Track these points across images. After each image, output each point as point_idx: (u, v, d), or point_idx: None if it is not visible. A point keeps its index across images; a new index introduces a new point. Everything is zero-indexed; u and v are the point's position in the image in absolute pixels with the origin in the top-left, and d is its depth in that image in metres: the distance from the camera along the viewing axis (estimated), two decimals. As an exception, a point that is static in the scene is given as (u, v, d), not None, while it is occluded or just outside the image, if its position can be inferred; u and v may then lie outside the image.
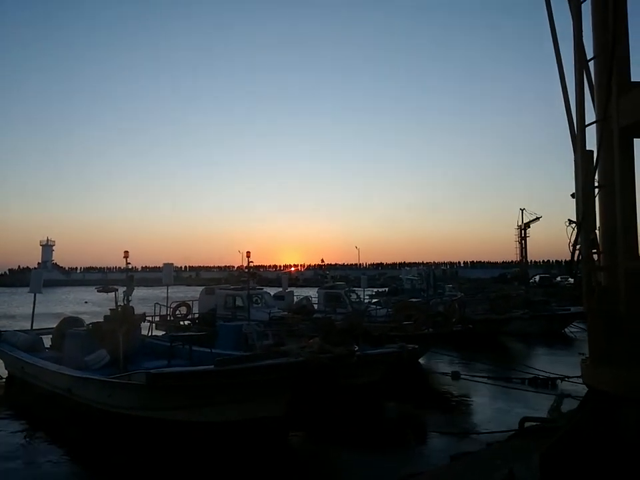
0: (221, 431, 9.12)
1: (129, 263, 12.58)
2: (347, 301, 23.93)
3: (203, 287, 27.27)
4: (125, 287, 12.42)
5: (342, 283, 29.24)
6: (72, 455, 9.41)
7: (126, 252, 12.30)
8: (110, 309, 12.96)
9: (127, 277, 12.47)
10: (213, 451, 8.89)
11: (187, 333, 15.17)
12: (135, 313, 13.62)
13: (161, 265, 21.25)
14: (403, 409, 12.86)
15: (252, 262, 20.05)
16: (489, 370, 15.61)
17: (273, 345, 11.43)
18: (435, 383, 15.35)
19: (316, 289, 28.30)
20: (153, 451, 9.18)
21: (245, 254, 20.68)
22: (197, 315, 23.39)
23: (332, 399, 10.94)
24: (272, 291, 28.94)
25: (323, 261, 32.77)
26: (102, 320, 13.24)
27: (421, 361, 17.28)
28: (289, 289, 29.64)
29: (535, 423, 7.44)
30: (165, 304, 22.23)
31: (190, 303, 24.53)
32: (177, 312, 23.52)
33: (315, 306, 24.62)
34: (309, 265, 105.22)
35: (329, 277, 28.50)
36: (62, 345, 13.64)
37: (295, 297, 27.17)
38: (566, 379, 13.17)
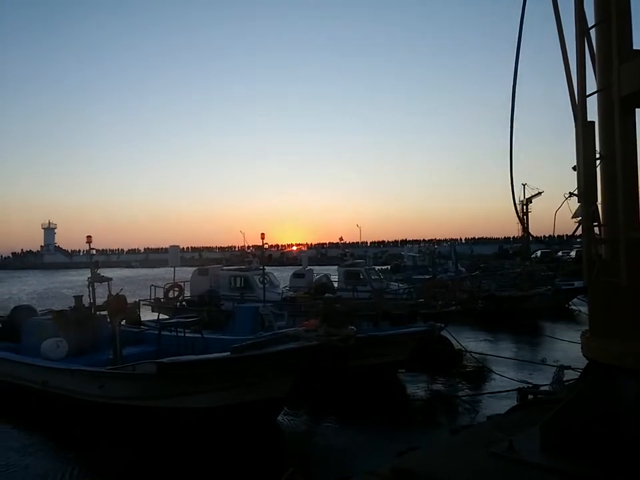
0: (225, 415, 9.15)
1: (93, 248, 12.34)
2: (367, 279, 23.50)
3: (195, 268, 25.86)
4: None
5: (361, 261, 27.93)
6: (76, 449, 9.34)
7: (88, 237, 12.01)
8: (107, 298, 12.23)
9: (91, 263, 12.03)
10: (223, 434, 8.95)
11: (182, 319, 13.97)
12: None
13: (164, 246, 21.19)
14: (418, 383, 13.03)
15: (266, 243, 19.66)
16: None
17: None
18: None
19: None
20: (154, 437, 9.19)
21: (243, 234, 20.56)
22: (188, 297, 22.31)
23: (342, 379, 11.07)
24: (274, 271, 28.58)
25: (341, 239, 31.89)
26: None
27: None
28: (309, 267, 28.13)
29: (534, 396, 7.48)
30: (162, 286, 21.90)
31: (182, 284, 23.20)
32: (170, 293, 22.43)
33: (335, 284, 23.99)
34: (311, 244, 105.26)
35: (349, 255, 27.81)
36: (16, 335, 12.97)
37: (314, 275, 26.18)
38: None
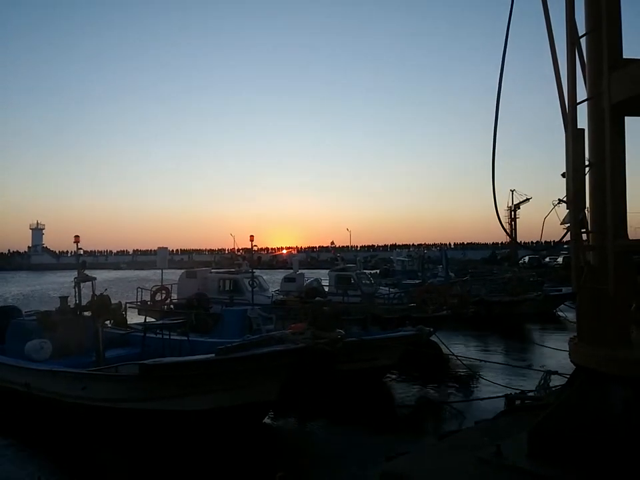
0: (215, 418, 9.06)
1: (80, 248, 12.13)
2: (358, 283, 23.46)
3: (183, 270, 25.30)
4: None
5: (353, 265, 27.76)
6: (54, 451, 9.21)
7: (76, 237, 11.80)
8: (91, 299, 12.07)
9: (77, 263, 11.84)
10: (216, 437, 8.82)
11: (168, 321, 13.59)
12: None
13: (153, 248, 21.09)
14: (406, 386, 13.01)
15: (256, 245, 19.60)
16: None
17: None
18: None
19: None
20: (142, 441, 9.06)
21: (233, 236, 20.53)
22: (175, 300, 21.96)
23: (330, 382, 11.01)
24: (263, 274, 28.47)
25: (332, 243, 31.89)
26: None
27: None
28: (300, 271, 27.74)
29: (521, 401, 7.51)
30: (149, 288, 21.61)
31: (169, 286, 22.58)
32: (157, 296, 22.04)
33: (326, 288, 23.87)
34: (301, 248, 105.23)
35: (340, 259, 27.78)
36: (0, 336, 12.73)
37: (305, 280, 25.89)
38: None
